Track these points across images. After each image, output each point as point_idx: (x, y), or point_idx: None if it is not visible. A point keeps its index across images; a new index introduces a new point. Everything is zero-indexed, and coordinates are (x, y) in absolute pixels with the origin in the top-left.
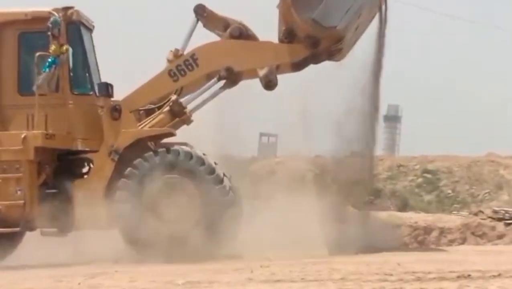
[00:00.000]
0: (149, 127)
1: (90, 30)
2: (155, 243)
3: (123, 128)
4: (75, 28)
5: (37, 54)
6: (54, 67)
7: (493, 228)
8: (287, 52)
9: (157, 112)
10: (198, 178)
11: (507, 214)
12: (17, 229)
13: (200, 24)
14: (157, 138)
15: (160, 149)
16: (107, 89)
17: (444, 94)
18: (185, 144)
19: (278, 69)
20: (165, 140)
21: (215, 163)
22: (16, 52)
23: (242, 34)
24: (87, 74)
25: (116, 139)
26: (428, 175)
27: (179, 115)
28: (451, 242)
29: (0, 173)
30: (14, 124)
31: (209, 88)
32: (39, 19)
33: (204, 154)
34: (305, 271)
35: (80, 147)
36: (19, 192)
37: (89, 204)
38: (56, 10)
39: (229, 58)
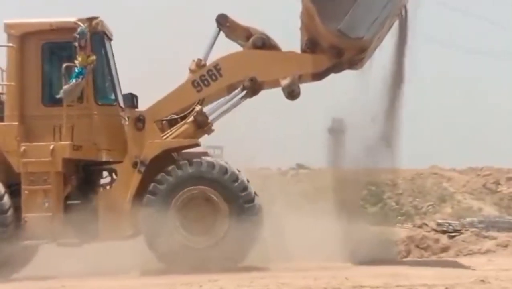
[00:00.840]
0: (173, 138)
1: (110, 40)
2: (181, 254)
3: (147, 139)
4: (99, 39)
5: (64, 65)
6: (81, 78)
7: (437, 240)
8: (310, 62)
9: (181, 123)
10: (223, 187)
11: (450, 227)
12: (45, 241)
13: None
14: (182, 148)
15: (183, 162)
16: (132, 99)
17: None
18: (205, 153)
19: (300, 78)
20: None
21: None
22: (39, 63)
23: (265, 44)
24: (110, 85)
25: (140, 149)
26: (372, 188)
27: (203, 126)
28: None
29: (27, 184)
30: (38, 135)
31: (233, 98)
32: (64, 29)
33: (226, 163)
34: (253, 285)
35: (104, 158)
36: (46, 204)
37: (114, 215)
38: (81, 20)
39: (253, 69)
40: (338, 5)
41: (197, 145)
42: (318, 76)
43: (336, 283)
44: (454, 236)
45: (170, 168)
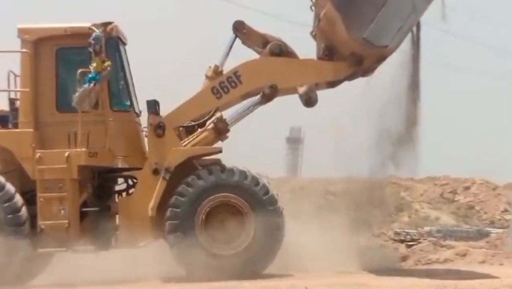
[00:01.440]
0: (193, 145)
1: (125, 44)
2: (206, 261)
3: (167, 146)
4: (114, 44)
5: (79, 70)
6: (94, 83)
7: (395, 250)
8: (331, 70)
9: (201, 130)
10: (252, 198)
11: (408, 236)
12: (63, 249)
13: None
14: (206, 155)
15: (215, 167)
16: (155, 106)
17: None
18: (218, 161)
19: (316, 86)
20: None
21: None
22: (53, 68)
23: (282, 51)
24: (126, 90)
25: (160, 156)
26: (331, 197)
27: (223, 133)
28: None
29: (42, 192)
30: (52, 142)
31: (253, 105)
32: (79, 35)
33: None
34: None
35: (120, 165)
36: (62, 212)
37: (134, 222)
38: (96, 25)
39: (273, 76)
40: (363, 13)
41: (220, 152)
42: (333, 83)
43: None
44: (412, 245)
45: (189, 179)
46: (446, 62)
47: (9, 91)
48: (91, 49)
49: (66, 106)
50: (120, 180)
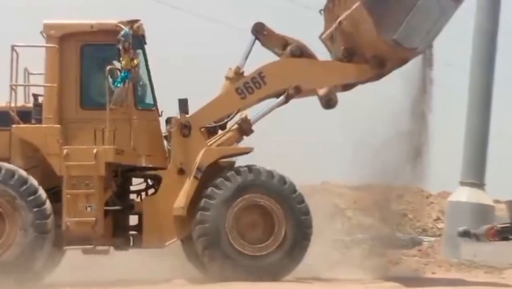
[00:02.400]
0: (218, 145)
1: (145, 44)
2: (237, 263)
3: (193, 146)
4: (140, 42)
5: (108, 67)
6: (127, 82)
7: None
8: (354, 72)
9: (226, 130)
10: (281, 197)
11: (342, 244)
12: (90, 246)
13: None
14: (236, 155)
15: (243, 168)
16: (186, 105)
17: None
18: (233, 162)
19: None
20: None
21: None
22: (78, 65)
23: (303, 52)
24: (149, 89)
25: (185, 156)
26: None
27: (247, 133)
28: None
29: (69, 188)
30: (76, 139)
31: (277, 106)
32: (105, 31)
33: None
34: None
35: (144, 164)
36: (88, 209)
37: (159, 221)
38: (122, 23)
39: (297, 77)
40: (393, 15)
41: (251, 151)
42: (348, 86)
43: None
44: (343, 253)
45: (229, 174)
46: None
47: (38, 86)
48: (120, 46)
49: (90, 103)
50: (136, 180)
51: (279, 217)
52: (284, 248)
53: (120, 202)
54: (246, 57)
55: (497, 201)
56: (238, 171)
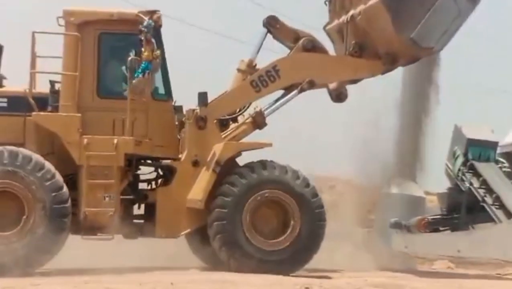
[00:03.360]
0: (232, 138)
1: None
2: (251, 257)
3: (208, 138)
4: (158, 33)
5: (130, 58)
6: (147, 72)
7: None
8: (366, 68)
9: (240, 123)
10: (295, 192)
11: None
12: (110, 237)
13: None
14: (254, 149)
15: (256, 164)
16: (206, 98)
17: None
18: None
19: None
20: None
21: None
22: (96, 53)
23: (315, 46)
24: (166, 80)
25: (200, 148)
26: None
27: (261, 126)
28: None
29: (89, 178)
30: (92, 128)
31: (290, 99)
32: (124, 21)
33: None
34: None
35: (160, 154)
36: (107, 199)
37: (172, 212)
38: (142, 12)
39: (311, 71)
40: (412, 14)
41: (270, 146)
42: (356, 80)
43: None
44: None
45: (243, 170)
46: None
47: (58, 74)
48: (142, 37)
49: (106, 91)
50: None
51: (294, 211)
52: (299, 242)
53: (132, 192)
54: (258, 50)
55: (428, 193)
56: (252, 168)
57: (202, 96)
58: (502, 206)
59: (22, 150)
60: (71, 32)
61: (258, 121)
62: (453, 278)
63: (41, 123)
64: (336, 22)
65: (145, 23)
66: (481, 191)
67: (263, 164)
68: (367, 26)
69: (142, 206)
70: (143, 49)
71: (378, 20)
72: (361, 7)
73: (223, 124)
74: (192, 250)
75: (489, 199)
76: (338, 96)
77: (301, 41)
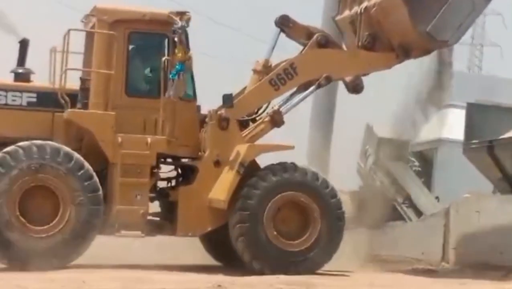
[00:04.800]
0: (252, 137)
1: None
2: (274, 258)
3: (230, 138)
4: (187, 34)
5: (164, 58)
6: (182, 74)
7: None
8: (382, 61)
9: (258, 122)
10: (315, 193)
11: None
12: (143, 235)
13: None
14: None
15: (277, 167)
16: (232, 99)
17: None
18: None
19: None
20: None
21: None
22: (125, 52)
23: (328, 42)
24: (191, 81)
25: (222, 149)
26: None
27: (279, 125)
28: None
29: (122, 176)
30: (120, 126)
31: (308, 95)
32: (155, 21)
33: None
34: None
35: (187, 154)
36: (138, 197)
37: (194, 211)
38: (172, 13)
39: (328, 67)
40: (428, 7)
41: (292, 148)
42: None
43: (72, 286)
44: None
45: (264, 173)
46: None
47: (92, 71)
48: (176, 38)
49: (135, 90)
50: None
51: (314, 213)
52: (320, 242)
53: (153, 190)
54: (272, 50)
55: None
56: (273, 170)
57: (228, 98)
58: (412, 205)
59: (50, 143)
60: (102, 29)
61: (276, 120)
62: (364, 276)
63: (74, 120)
64: (347, 13)
65: (179, 24)
66: (392, 189)
67: (283, 166)
68: (382, 18)
69: (156, 203)
70: (176, 50)
71: (394, 13)
72: (376, 0)
73: (242, 125)
74: (206, 249)
75: (399, 198)
76: (355, 88)
77: (314, 37)
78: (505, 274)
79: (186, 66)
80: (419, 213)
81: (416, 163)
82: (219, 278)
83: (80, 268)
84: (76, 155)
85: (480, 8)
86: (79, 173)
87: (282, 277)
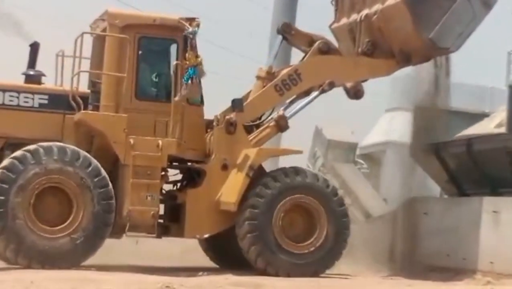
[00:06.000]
0: (257, 141)
1: None
2: (279, 259)
3: (237, 143)
4: (196, 40)
5: (175, 63)
6: (194, 78)
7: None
8: (383, 67)
9: (264, 127)
10: (324, 199)
11: None
12: (153, 235)
13: None
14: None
15: (289, 170)
16: (242, 104)
17: None
18: None
19: None
20: None
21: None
22: (135, 56)
23: (330, 48)
24: (200, 85)
25: (229, 153)
26: None
27: (284, 130)
28: None
29: (133, 177)
30: (130, 128)
31: (312, 101)
32: (165, 26)
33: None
34: None
35: (194, 157)
36: (149, 198)
37: (201, 213)
38: (182, 19)
39: (331, 73)
40: (430, 15)
41: (301, 153)
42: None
43: (20, 287)
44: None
45: (276, 173)
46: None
47: (105, 74)
48: (188, 43)
49: (144, 94)
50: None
51: (321, 217)
52: (325, 247)
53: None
54: (275, 57)
55: None
56: (285, 172)
57: (238, 102)
58: (360, 207)
59: (70, 147)
60: (113, 33)
61: (281, 124)
62: (310, 278)
63: (88, 121)
64: (345, 21)
65: (190, 29)
66: (341, 191)
67: (296, 170)
68: (383, 24)
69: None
70: (187, 55)
71: (397, 19)
72: (378, 7)
73: (246, 130)
74: (206, 252)
75: (348, 200)
76: (356, 93)
77: (316, 44)
78: (451, 276)
79: (198, 71)
80: (367, 215)
81: (365, 165)
82: (168, 279)
83: (29, 269)
84: (94, 160)
85: (481, 17)
86: (96, 180)
87: (232, 278)
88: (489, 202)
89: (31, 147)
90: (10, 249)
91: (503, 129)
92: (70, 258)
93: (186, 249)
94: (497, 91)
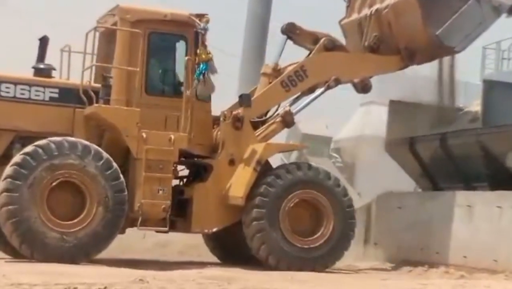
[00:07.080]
0: (262, 138)
1: None
2: (289, 255)
3: (244, 138)
4: (205, 36)
5: (186, 58)
6: (206, 73)
7: None
8: (388, 63)
9: (270, 122)
10: (328, 192)
11: None
12: (165, 229)
13: None
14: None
15: (292, 166)
16: (250, 99)
17: None
18: None
19: None
20: None
21: None
22: (145, 51)
23: (335, 45)
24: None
25: (236, 148)
26: None
27: (290, 125)
28: None
29: (146, 171)
30: (142, 123)
31: (318, 97)
32: (176, 22)
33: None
34: None
35: (202, 153)
36: (160, 192)
37: (208, 208)
38: (192, 15)
39: (337, 70)
40: (440, 12)
41: (306, 148)
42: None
43: None
44: None
45: (279, 171)
46: None
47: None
48: (200, 39)
49: (153, 89)
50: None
51: (327, 210)
52: (333, 240)
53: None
54: (280, 55)
55: None
56: (287, 169)
57: (246, 98)
58: None
59: (81, 141)
60: (124, 28)
61: (287, 120)
62: (285, 273)
63: (101, 115)
64: (355, 16)
65: (201, 25)
66: None
67: (297, 165)
68: (393, 19)
69: None
70: (198, 51)
71: (407, 14)
72: (390, 1)
73: (254, 126)
74: (211, 250)
75: None
76: (364, 88)
77: (321, 41)
78: (425, 270)
79: (210, 67)
80: None
81: (339, 159)
82: (141, 272)
83: (0, 261)
84: (105, 154)
85: (489, 22)
86: (108, 173)
87: (205, 272)
88: (462, 196)
89: (42, 142)
90: (25, 246)
91: (477, 124)
92: (86, 251)
93: (158, 242)
94: (472, 86)
